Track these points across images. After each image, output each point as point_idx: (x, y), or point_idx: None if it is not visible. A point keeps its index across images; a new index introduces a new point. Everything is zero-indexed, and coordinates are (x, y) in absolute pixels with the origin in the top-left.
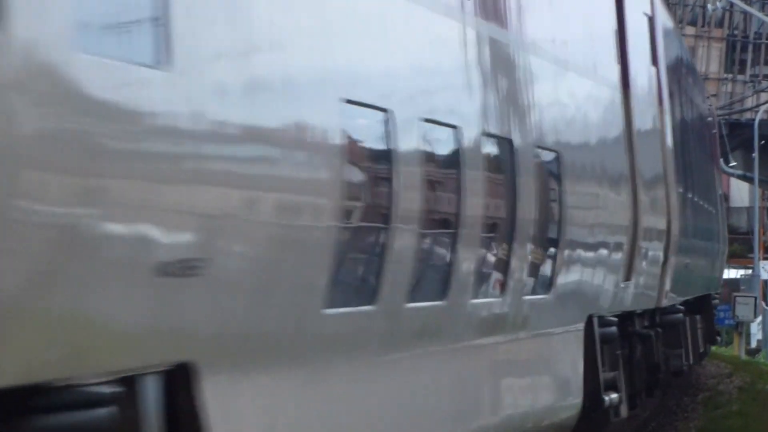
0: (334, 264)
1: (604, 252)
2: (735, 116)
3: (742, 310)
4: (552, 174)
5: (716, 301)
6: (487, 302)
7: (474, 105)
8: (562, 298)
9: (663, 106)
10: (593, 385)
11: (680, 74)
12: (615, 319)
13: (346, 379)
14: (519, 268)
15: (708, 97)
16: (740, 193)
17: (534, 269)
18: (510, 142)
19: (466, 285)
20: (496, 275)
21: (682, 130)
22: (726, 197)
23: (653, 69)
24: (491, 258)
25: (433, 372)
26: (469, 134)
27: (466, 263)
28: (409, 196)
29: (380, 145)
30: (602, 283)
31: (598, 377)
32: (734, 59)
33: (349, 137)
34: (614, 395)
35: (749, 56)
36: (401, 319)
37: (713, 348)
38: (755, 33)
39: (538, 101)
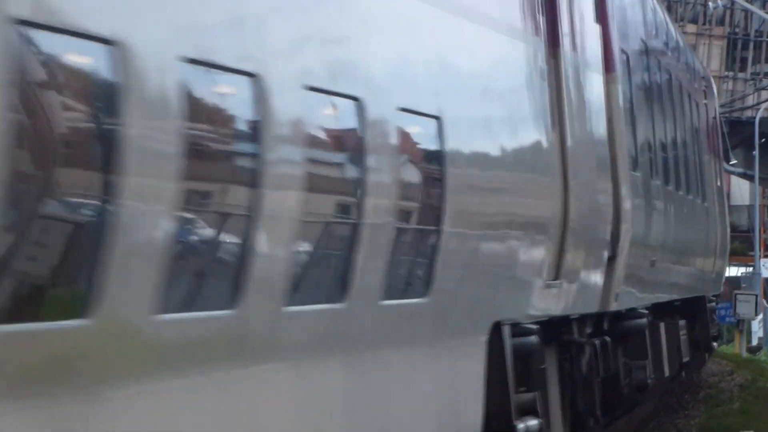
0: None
1: (515, 245)
2: (736, 114)
3: (743, 308)
4: (426, 145)
5: (712, 304)
6: (313, 310)
7: (277, 47)
8: (448, 303)
9: (614, 73)
10: (504, 409)
11: (649, 40)
12: (535, 327)
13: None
14: (371, 265)
15: (704, 78)
16: (741, 191)
17: (400, 266)
18: (358, 101)
19: (275, 289)
20: (332, 275)
21: (649, 106)
22: (727, 195)
23: (597, 27)
24: (325, 254)
25: (229, 405)
26: (274, 85)
27: (279, 260)
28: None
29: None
30: (515, 284)
31: (509, 399)
32: (735, 57)
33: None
34: (532, 422)
35: (750, 54)
36: (150, 335)
37: None
38: (756, 31)
39: (403, 50)
